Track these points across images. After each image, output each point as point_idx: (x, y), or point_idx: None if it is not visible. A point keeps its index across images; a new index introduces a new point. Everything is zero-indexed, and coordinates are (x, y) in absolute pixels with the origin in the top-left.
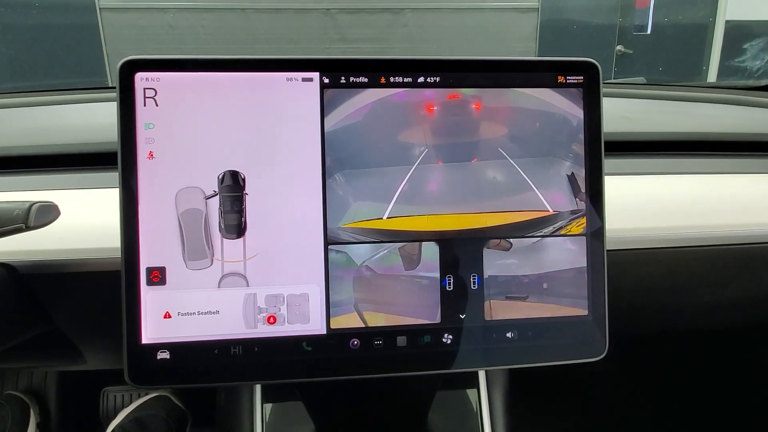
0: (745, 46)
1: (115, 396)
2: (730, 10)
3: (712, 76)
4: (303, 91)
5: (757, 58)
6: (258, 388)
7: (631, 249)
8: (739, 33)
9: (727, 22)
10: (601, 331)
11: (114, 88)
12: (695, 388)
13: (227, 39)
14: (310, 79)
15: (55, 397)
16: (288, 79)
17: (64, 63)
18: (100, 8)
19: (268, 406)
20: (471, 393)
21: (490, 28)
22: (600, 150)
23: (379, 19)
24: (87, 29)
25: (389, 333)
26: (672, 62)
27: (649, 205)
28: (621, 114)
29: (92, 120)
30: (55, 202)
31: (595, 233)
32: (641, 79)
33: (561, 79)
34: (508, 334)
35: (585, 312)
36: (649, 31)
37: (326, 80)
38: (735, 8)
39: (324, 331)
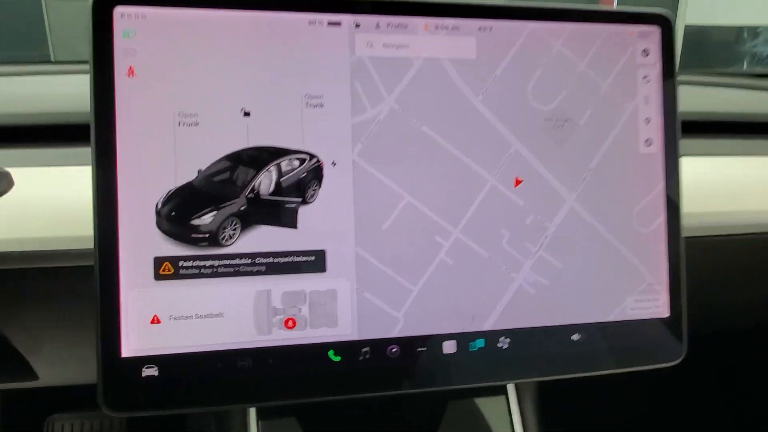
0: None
1: (62, 426)
2: (690, 15)
3: None
4: (328, 37)
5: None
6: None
7: (705, 236)
8: (699, 38)
9: (686, 26)
10: (678, 329)
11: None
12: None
13: None
14: (338, 23)
15: None
16: (310, 22)
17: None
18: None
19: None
20: (498, 401)
21: None
22: (676, 124)
23: None
24: None
25: (435, 337)
26: None
27: (718, 187)
28: None
29: (65, 89)
30: (8, 170)
31: (673, 221)
32: None
33: (630, 34)
34: (574, 337)
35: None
36: None
37: (358, 25)
38: (695, 13)
39: (356, 337)
